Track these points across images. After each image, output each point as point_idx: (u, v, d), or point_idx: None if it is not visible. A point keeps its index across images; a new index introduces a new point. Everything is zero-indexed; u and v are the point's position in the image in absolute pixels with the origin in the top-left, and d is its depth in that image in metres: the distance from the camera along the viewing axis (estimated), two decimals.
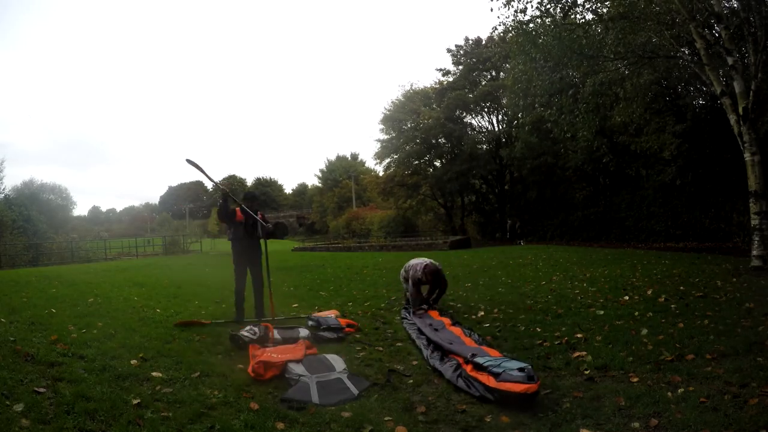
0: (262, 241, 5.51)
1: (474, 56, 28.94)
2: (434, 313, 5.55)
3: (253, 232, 5.52)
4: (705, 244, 14.44)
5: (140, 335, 4.44)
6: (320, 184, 64.10)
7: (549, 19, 9.66)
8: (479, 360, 3.43)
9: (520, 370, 3.09)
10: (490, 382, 3.14)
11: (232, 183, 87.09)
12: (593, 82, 11.66)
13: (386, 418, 2.86)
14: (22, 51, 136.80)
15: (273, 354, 3.75)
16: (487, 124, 29.69)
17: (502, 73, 27.63)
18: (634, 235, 18.18)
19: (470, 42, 29.31)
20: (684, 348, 3.70)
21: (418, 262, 6.15)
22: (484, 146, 28.97)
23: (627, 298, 5.83)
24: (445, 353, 4.02)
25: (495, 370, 3.21)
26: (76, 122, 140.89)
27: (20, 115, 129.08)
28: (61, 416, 2.56)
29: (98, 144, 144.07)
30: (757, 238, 7.93)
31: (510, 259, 12.00)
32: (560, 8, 9.67)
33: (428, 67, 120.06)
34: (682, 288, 6.18)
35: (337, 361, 3.72)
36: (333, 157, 65.04)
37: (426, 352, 4.17)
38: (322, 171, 64.61)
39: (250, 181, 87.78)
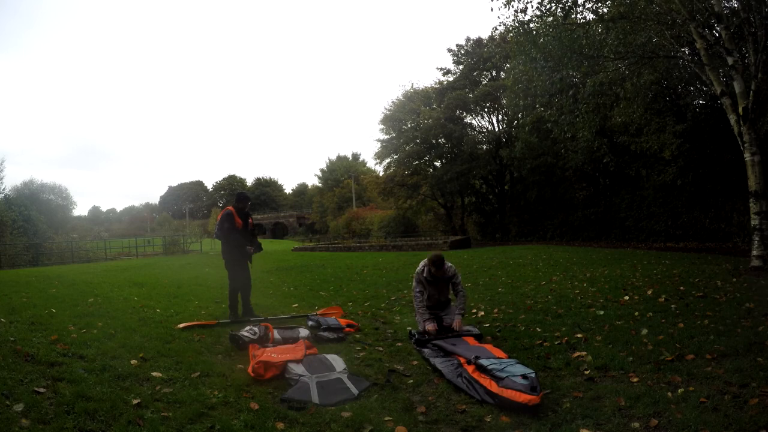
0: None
1: (475, 56, 28.94)
2: (470, 340, 4.35)
3: (248, 236, 5.64)
4: (705, 244, 14.43)
5: (140, 335, 4.44)
6: (320, 184, 64.11)
7: (550, 19, 9.66)
8: (483, 362, 3.40)
9: (524, 377, 3.04)
10: (492, 386, 3.11)
11: (232, 183, 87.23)
12: (593, 82, 11.67)
13: (386, 418, 2.86)
14: (23, 54, 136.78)
15: (273, 354, 3.75)
16: (487, 124, 29.69)
17: (502, 73, 27.64)
18: (634, 235, 18.17)
19: (471, 42, 29.31)
20: (684, 348, 3.70)
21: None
22: (484, 146, 28.96)
23: (627, 298, 5.83)
24: (447, 354, 4.00)
25: (498, 374, 3.17)
26: (77, 123, 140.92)
27: (20, 118, 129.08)
28: (61, 416, 2.56)
29: (99, 144, 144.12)
30: (757, 238, 7.92)
31: (510, 259, 11.99)
32: (561, 8, 9.66)
33: (429, 67, 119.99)
34: (682, 288, 6.17)
35: (337, 361, 3.72)
36: (334, 157, 65.16)
37: (426, 351, 4.17)
38: (322, 171, 64.68)
39: (250, 181, 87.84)
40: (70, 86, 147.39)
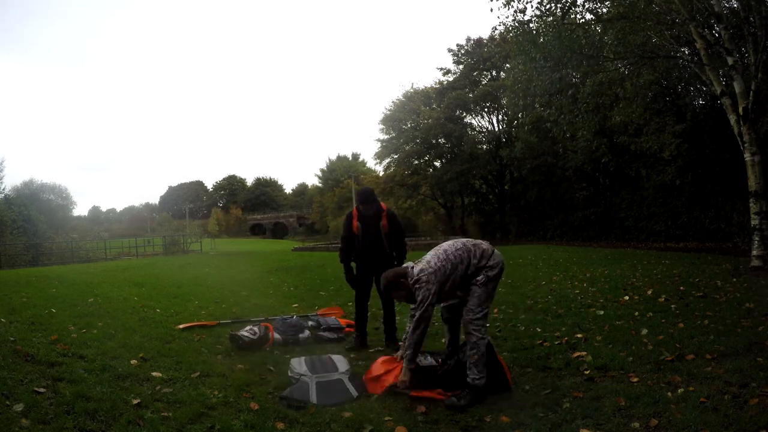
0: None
1: (475, 56, 28.99)
2: None
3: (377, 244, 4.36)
4: (705, 244, 14.44)
5: (140, 335, 4.43)
6: (320, 184, 64.13)
7: (549, 19, 9.66)
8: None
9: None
10: None
11: (232, 183, 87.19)
12: (593, 82, 11.67)
13: (386, 418, 2.85)
14: (22, 55, 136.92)
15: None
16: (487, 124, 29.75)
17: (502, 73, 27.69)
18: (634, 235, 18.18)
19: (471, 42, 29.35)
20: (684, 348, 3.69)
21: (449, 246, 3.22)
22: (484, 146, 29.01)
23: (627, 298, 5.83)
24: None
25: None
26: (77, 124, 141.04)
27: (20, 119, 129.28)
28: (61, 416, 2.56)
29: (99, 145, 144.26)
30: (757, 238, 7.92)
31: (510, 259, 12.00)
32: (560, 8, 9.67)
33: (429, 67, 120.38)
34: (682, 288, 6.17)
35: (341, 362, 3.70)
36: (334, 157, 65.19)
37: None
38: (322, 171, 64.70)
39: (250, 181, 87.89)
40: (69, 87, 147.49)
